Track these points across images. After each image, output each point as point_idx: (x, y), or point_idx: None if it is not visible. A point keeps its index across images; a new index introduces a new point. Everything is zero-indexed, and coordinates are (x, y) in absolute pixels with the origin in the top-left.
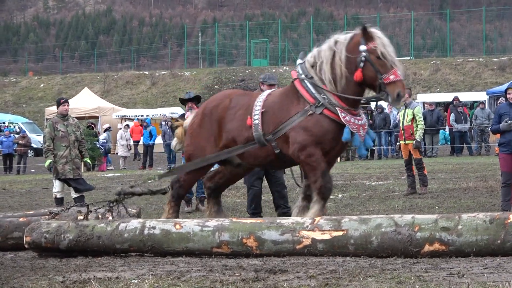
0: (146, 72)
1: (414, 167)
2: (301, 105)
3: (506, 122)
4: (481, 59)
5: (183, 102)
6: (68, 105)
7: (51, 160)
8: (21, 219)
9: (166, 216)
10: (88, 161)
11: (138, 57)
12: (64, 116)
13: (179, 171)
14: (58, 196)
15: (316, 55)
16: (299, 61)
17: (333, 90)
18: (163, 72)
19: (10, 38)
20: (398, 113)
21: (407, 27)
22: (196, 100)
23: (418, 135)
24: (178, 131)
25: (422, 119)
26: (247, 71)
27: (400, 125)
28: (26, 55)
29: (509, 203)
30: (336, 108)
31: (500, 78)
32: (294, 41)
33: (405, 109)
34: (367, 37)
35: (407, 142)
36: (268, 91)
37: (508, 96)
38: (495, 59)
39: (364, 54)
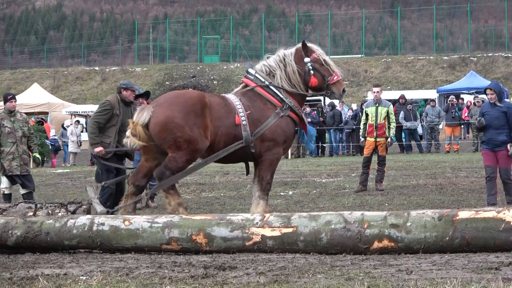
0: (97, 68)
1: (371, 165)
2: (271, 109)
3: (479, 120)
4: (431, 57)
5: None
6: (15, 101)
7: None
8: None
9: (175, 203)
10: (37, 156)
11: (89, 53)
12: (11, 112)
13: (169, 183)
14: (6, 192)
15: (268, 66)
16: (251, 70)
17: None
18: (113, 68)
19: None
20: (348, 109)
21: (358, 25)
22: (146, 95)
23: (392, 133)
24: (138, 129)
25: (394, 117)
26: (198, 68)
27: (371, 122)
28: None
29: (494, 197)
30: (299, 110)
31: (450, 76)
32: (246, 38)
33: (377, 106)
34: (307, 50)
35: (378, 139)
36: (231, 94)
37: (487, 96)
38: (446, 57)
39: (309, 64)
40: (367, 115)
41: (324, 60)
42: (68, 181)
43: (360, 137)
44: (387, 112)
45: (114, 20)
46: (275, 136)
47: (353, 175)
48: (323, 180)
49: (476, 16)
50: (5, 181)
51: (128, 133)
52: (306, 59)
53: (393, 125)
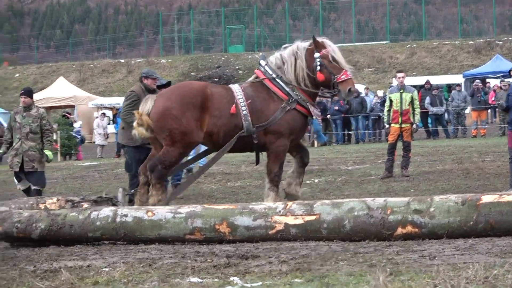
0: (122, 60)
1: (396, 151)
2: (276, 101)
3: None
4: (456, 42)
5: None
6: (26, 97)
7: (1, 150)
8: None
9: (155, 199)
10: (47, 153)
11: (114, 46)
12: (26, 107)
13: (190, 183)
14: (21, 188)
15: (280, 59)
16: (262, 62)
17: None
18: (139, 60)
19: None
20: (374, 96)
21: (383, 11)
22: (168, 86)
23: (417, 118)
24: (144, 118)
25: (418, 103)
26: (223, 58)
27: (395, 108)
28: (0, 46)
29: None
30: (307, 103)
31: (476, 61)
32: (270, 27)
33: (402, 92)
34: (319, 45)
35: (403, 125)
36: (237, 85)
37: None
38: (471, 42)
39: (318, 60)
40: (391, 101)
41: (333, 57)
42: (95, 173)
43: (385, 124)
44: (412, 97)
45: (139, 12)
46: (279, 129)
47: (379, 162)
48: (349, 168)
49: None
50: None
51: (134, 124)
52: (316, 54)
53: (417, 110)
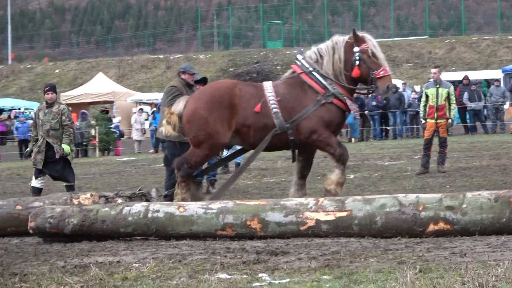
0: (161, 56)
1: (432, 147)
2: (310, 95)
3: None
4: (496, 37)
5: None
6: (53, 93)
7: (29, 148)
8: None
9: (179, 198)
10: (64, 147)
11: (154, 41)
12: (49, 104)
13: (231, 183)
14: (32, 185)
15: (317, 52)
16: (299, 56)
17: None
18: (178, 56)
19: (26, 24)
20: (412, 92)
21: (422, 6)
22: (203, 82)
23: (453, 113)
24: (173, 118)
25: (455, 98)
26: (261, 53)
27: (431, 103)
28: (41, 41)
29: None
30: (344, 97)
31: None
32: (309, 23)
33: (438, 87)
34: (359, 39)
35: (439, 121)
36: (270, 82)
37: None
38: (511, 37)
39: (357, 54)
40: (427, 96)
41: (373, 52)
42: (132, 169)
43: (421, 119)
44: (448, 93)
45: (178, 8)
46: (312, 124)
47: (415, 157)
48: (385, 163)
49: None
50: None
51: (164, 121)
52: (356, 49)
53: (453, 106)
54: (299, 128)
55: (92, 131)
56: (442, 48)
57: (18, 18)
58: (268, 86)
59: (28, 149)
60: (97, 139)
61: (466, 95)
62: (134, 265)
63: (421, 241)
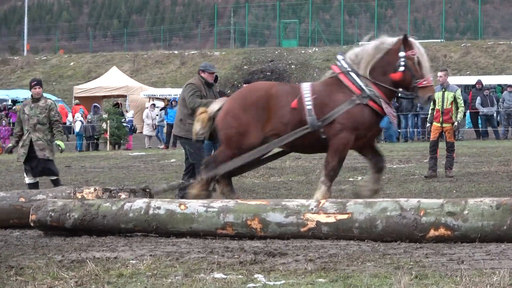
0: (176, 52)
1: (438, 150)
2: (346, 95)
3: None
4: None
5: None
6: (40, 88)
7: (11, 144)
8: None
9: (195, 192)
10: (58, 143)
11: (170, 37)
12: (35, 99)
13: (228, 168)
14: (27, 182)
15: (359, 53)
16: (339, 57)
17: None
18: (192, 52)
19: (44, 16)
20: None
21: (440, 9)
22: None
23: (460, 117)
24: (203, 116)
25: (463, 101)
26: (276, 52)
27: (437, 107)
28: (57, 33)
29: None
30: (380, 99)
31: None
32: (326, 22)
33: (444, 91)
34: (407, 45)
35: (444, 125)
36: (308, 83)
37: None
38: None
39: (403, 59)
40: (434, 100)
41: (419, 60)
42: (141, 164)
43: (427, 122)
44: (454, 96)
45: (196, 4)
46: (343, 121)
47: (425, 161)
48: (394, 166)
49: None
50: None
51: (196, 120)
52: (401, 53)
53: (461, 109)
54: (330, 126)
55: (104, 125)
56: (457, 52)
57: (36, 10)
58: (305, 85)
59: (9, 144)
60: (108, 133)
61: (478, 99)
62: (131, 261)
63: (421, 246)
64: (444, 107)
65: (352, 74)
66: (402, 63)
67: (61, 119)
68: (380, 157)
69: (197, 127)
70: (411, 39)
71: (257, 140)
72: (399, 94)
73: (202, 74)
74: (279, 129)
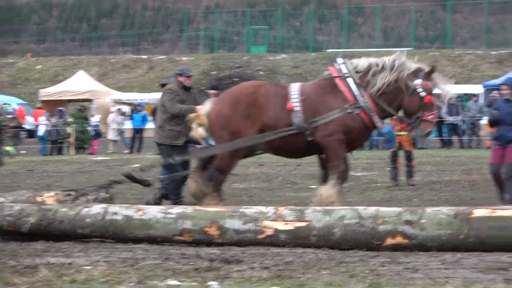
0: (144, 57)
1: (399, 159)
2: (339, 101)
3: (491, 113)
4: (479, 52)
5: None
6: None
7: None
8: None
9: None
10: (8, 149)
11: (139, 41)
12: None
13: (200, 154)
14: None
15: (368, 63)
16: (339, 60)
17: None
18: (160, 57)
19: (12, 19)
20: None
21: (409, 18)
22: None
23: None
24: (203, 119)
25: None
26: (245, 58)
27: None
28: (26, 36)
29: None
30: (372, 114)
31: (498, 71)
32: (296, 29)
33: None
34: (429, 75)
35: (401, 133)
36: (298, 83)
37: (502, 92)
38: (494, 52)
39: (419, 87)
40: None
41: (435, 94)
42: (104, 168)
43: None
44: None
45: (166, 9)
46: (331, 126)
47: (387, 169)
48: (357, 174)
49: None
50: None
51: (194, 124)
52: (418, 81)
53: None
54: (318, 128)
55: (68, 129)
56: (425, 60)
57: (5, 13)
58: (295, 86)
59: None
60: (72, 137)
61: (445, 108)
62: (85, 267)
63: (377, 254)
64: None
65: (350, 80)
66: (417, 90)
67: (8, 125)
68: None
69: (200, 131)
70: (435, 72)
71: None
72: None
73: (180, 78)
74: (265, 130)
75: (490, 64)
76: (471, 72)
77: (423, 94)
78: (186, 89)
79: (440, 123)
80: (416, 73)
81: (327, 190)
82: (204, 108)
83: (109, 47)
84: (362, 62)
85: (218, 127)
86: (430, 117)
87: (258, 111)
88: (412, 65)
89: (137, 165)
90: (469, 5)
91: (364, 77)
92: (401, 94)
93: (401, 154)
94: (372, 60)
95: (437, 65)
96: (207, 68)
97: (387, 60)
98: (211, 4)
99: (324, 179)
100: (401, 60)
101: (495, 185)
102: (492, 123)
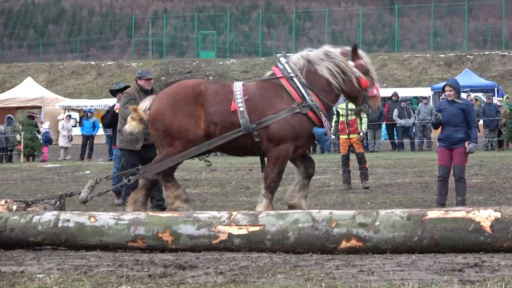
0: (92, 63)
1: (350, 162)
2: (286, 101)
3: (435, 115)
4: (427, 55)
5: (113, 93)
6: None
7: None
8: None
9: (173, 195)
10: None
11: (87, 47)
12: None
13: (155, 170)
14: None
15: (305, 59)
16: (282, 59)
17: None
18: (109, 63)
19: None
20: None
21: (357, 22)
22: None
23: (364, 127)
24: (139, 113)
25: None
26: (194, 63)
27: (342, 119)
28: None
29: (446, 196)
30: (320, 112)
31: (446, 74)
32: (245, 34)
33: (347, 102)
34: (356, 54)
35: (351, 136)
36: (239, 82)
37: (446, 93)
38: (442, 55)
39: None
40: (338, 112)
41: (369, 70)
42: (55, 176)
43: (331, 135)
44: None
45: (114, 15)
46: (282, 132)
47: (340, 172)
48: None
49: (476, 14)
50: None
51: (129, 118)
52: (350, 63)
53: (364, 120)
54: (268, 132)
55: (18, 137)
56: (374, 64)
57: None
58: (237, 84)
59: None
60: (22, 145)
61: (396, 111)
62: (38, 275)
63: (332, 258)
64: (349, 118)
65: (296, 80)
66: (357, 73)
67: None
68: (310, 163)
69: (135, 124)
70: (359, 49)
71: (197, 135)
72: (338, 106)
73: (138, 81)
74: (208, 128)
75: (439, 67)
76: (420, 75)
77: (358, 74)
78: (145, 92)
79: (390, 126)
80: (345, 56)
81: (260, 200)
82: (143, 104)
83: (57, 54)
84: (295, 60)
85: (160, 127)
86: (374, 91)
87: (200, 109)
88: (336, 50)
89: (87, 186)
90: (416, 9)
91: (303, 74)
92: (342, 80)
93: (352, 157)
94: (303, 54)
95: (354, 42)
96: (156, 74)
97: (319, 53)
98: (158, 10)
99: (304, 172)
100: (329, 49)
101: (441, 187)
102: (436, 125)
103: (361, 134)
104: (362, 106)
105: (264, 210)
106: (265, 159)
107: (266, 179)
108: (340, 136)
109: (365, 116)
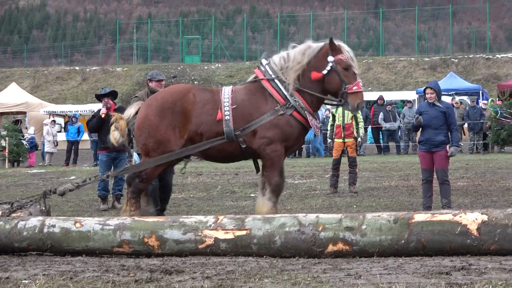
0: (77, 68)
1: (340, 166)
2: (270, 104)
3: (416, 118)
4: (412, 58)
5: (99, 98)
6: None
7: None
8: None
9: (128, 215)
10: None
11: (72, 53)
12: None
13: (136, 169)
14: None
15: (285, 58)
16: (264, 61)
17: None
18: (94, 68)
19: None
20: (325, 111)
21: (342, 26)
22: (112, 95)
23: (362, 132)
24: (121, 123)
25: (361, 117)
26: (179, 68)
27: (338, 123)
28: None
29: (431, 199)
30: (305, 111)
31: (431, 78)
32: (229, 39)
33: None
34: (335, 49)
35: (346, 140)
36: (230, 87)
37: (427, 96)
38: (427, 59)
39: (331, 64)
40: (333, 116)
41: (349, 65)
42: (40, 181)
43: (328, 139)
44: None
45: (98, 20)
46: (269, 134)
47: (326, 176)
48: (296, 181)
49: (460, 18)
50: None
51: (112, 127)
52: (330, 58)
53: (361, 124)
54: (253, 136)
55: (3, 142)
56: (359, 68)
57: None
58: (226, 91)
59: None
60: (6, 151)
61: (381, 115)
62: (23, 281)
63: (319, 261)
64: (345, 122)
65: (277, 81)
66: (330, 67)
67: None
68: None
69: (116, 135)
70: (338, 42)
71: (178, 147)
72: (326, 101)
73: (150, 84)
74: (194, 138)
75: (424, 70)
76: (405, 78)
77: (339, 68)
78: None
79: (376, 129)
80: (325, 51)
81: (264, 203)
82: (128, 111)
83: (41, 59)
84: (279, 58)
85: (144, 134)
86: (354, 88)
87: (186, 120)
88: (316, 45)
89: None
90: (400, 13)
91: (286, 73)
92: (320, 76)
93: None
94: (284, 54)
95: (332, 37)
96: (141, 79)
97: (299, 48)
98: (143, 15)
99: (263, 186)
100: (307, 45)
101: (426, 190)
102: (417, 127)
103: (359, 139)
104: (340, 102)
105: (267, 213)
106: (259, 161)
107: (270, 184)
108: (335, 140)
109: (362, 120)
